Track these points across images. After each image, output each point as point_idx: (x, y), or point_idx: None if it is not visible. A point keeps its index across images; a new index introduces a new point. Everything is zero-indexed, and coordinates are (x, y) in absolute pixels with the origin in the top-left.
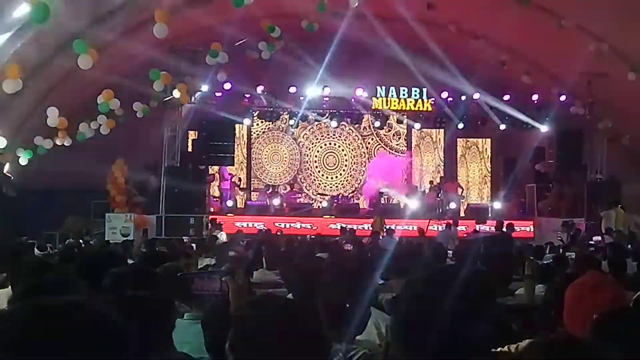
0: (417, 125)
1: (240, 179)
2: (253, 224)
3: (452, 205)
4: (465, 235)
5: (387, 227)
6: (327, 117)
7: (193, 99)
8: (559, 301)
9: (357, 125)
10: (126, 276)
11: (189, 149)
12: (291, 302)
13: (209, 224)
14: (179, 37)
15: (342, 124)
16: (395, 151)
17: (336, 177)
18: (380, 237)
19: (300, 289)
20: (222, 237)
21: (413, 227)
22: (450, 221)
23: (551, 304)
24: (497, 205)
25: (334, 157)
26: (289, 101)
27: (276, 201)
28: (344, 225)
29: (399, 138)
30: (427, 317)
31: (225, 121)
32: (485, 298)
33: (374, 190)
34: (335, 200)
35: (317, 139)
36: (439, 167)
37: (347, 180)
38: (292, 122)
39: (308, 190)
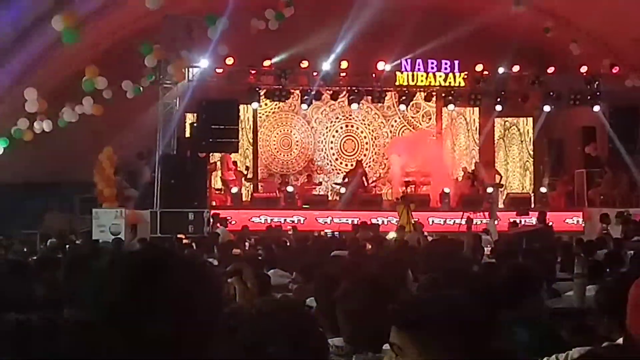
0: (451, 106)
1: (247, 168)
2: (261, 219)
3: (489, 195)
4: (505, 229)
5: (415, 220)
6: (344, 96)
7: (191, 76)
8: (613, 303)
9: (379, 104)
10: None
11: (187, 134)
12: (301, 310)
13: (211, 220)
14: (173, 4)
15: (362, 103)
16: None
17: (355, 164)
18: (407, 232)
19: (318, 295)
20: (226, 234)
21: (445, 220)
22: (487, 213)
23: (605, 307)
24: (541, 194)
25: (353, 141)
26: (300, 78)
27: (287, 193)
28: (361, 221)
29: (429, 119)
30: (454, 325)
31: (228, 102)
32: (527, 299)
33: (399, 177)
34: (356, 191)
35: (333, 121)
36: (474, 151)
37: (368, 167)
38: (304, 103)
39: (324, 180)
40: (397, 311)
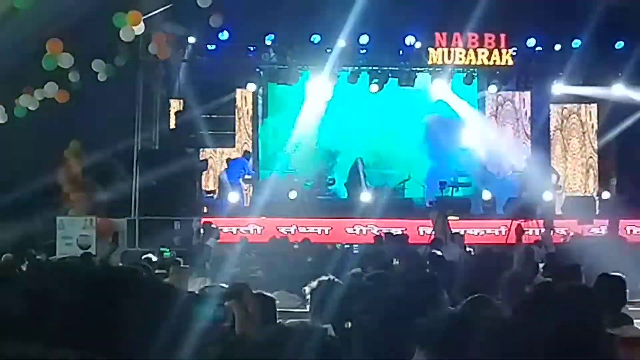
0: (493, 87)
1: (243, 167)
2: (264, 229)
3: (545, 199)
4: (562, 240)
5: (453, 231)
6: (364, 76)
7: (177, 54)
8: None
9: (407, 87)
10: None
11: (172, 126)
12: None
13: (201, 230)
14: None
15: (387, 87)
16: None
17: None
18: (443, 245)
19: (336, 321)
20: (220, 248)
21: (489, 230)
22: (542, 221)
23: None
24: (608, 197)
25: (377, 133)
26: (310, 56)
27: (296, 196)
28: (386, 231)
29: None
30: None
31: (223, 85)
32: (588, 327)
33: (433, 178)
34: (380, 194)
35: (351, 108)
36: (525, 145)
37: (396, 165)
38: (315, 85)
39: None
40: (425, 331)
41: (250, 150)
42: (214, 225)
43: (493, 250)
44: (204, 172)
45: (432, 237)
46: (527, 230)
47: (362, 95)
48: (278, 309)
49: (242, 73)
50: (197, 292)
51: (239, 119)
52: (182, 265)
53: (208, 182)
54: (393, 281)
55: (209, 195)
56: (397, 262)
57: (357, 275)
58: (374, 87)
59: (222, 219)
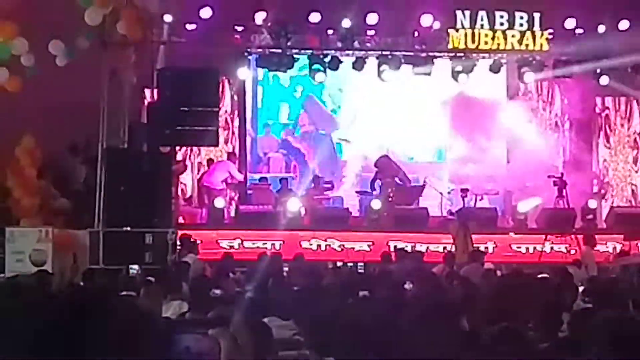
0: (527, 76)
1: (228, 170)
2: (251, 244)
3: (587, 210)
4: (606, 259)
5: (476, 246)
6: (372, 63)
7: (150, 34)
8: None
9: (424, 75)
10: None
11: (144, 119)
12: None
13: (178, 244)
14: None
15: (400, 75)
16: None
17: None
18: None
19: (339, 355)
20: (200, 266)
21: (519, 247)
22: (582, 237)
23: None
24: None
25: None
26: (309, 37)
27: (290, 205)
28: (397, 246)
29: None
30: None
31: (204, 72)
32: None
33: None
34: (390, 201)
35: (358, 98)
36: (562, 146)
37: (409, 167)
38: (316, 73)
39: (343, 186)
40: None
41: (237, 151)
42: (192, 239)
43: (523, 270)
44: (182, 176)
45: (451, 253)
46: (564, 248)
47: (369, 83)
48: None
49: (228, 57)
50: (174, 319)
51: (225, 112)
52: (154, 286)
53: (186, 188)
54: (406, 307)
55: (187, 202)
56: (410, 285)
57: (364, 299)
58: (385, 75)
59: (203, 232)
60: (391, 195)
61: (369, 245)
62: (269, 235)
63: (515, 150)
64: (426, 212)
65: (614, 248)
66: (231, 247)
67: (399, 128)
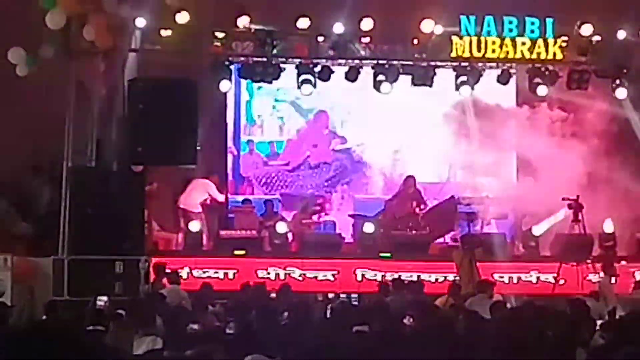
0: (540, 89)
1: (208, 191)
2: (232, 273)
3: (605, 231)
4: (628, 290)
5: (483, 277)
6: (366, 73)
7: (121, 41)
8: None
9: (425, 87)
10: None
11: (114, 135)
12: None
13: (151, 273)
14: None
15: (398, 86)
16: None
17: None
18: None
19: None
20: (176, 297)
21: (529, 277)
22: (601, 265)
23: None
24: None
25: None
26: (297, 45)
27: (277, 229)
28: (394, 277)
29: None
30: None
31: (181, 83)
32: None
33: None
34: (385, 226)
35: (352, 113)
36: (580, 162)
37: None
38: (305, 85)
39: (335, 209)
40: None
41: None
42: (168, 268)
43: (535, 303)
44: (156, 197)
45: (456, 284)
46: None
47: (363, 95)
48: None
49: (207, 67)
50: (145, 357)
51: (203, 127)
52: (125, 320)
53: (161, 210)
54: (406, 343)
55: (161, 227)
56: (410, 319)
57: (359, 335)
58: (383, 87)
59: (179, 259)
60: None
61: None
62: (253, 263)
63: (526, 167)
64: (430, 238)
65: (634, 278)
66: (211, 276)
67: (397, 144)
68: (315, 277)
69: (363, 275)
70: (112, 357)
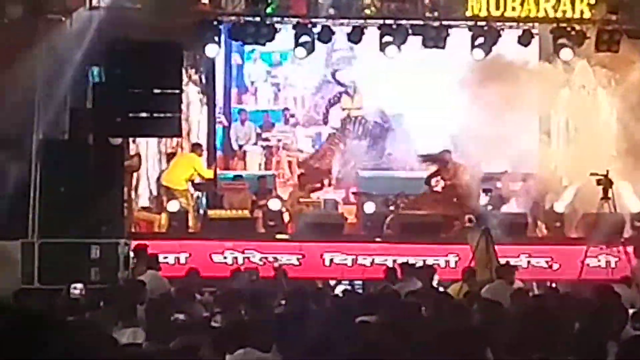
0: (564, 52)
1: (194, 166)
2: (222, 258)
3: (635, 211)
4: None
5: (501, 261)
6: (372, 33)
7: (96, 1)
8: None
9: (437, 50)
10: None
11: (89, 105)
12: None
13: (132, 258)
14: None
15: (407, 48)
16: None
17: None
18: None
19: None
20: (158, 284)
21: (553, 262)
22: (634, 248)
23: None
24: None
25: (393, 118)
26: (294, 2)
27: (270, 206)
28: (402, 262)
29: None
30: None
31: (163, 45)
32: None
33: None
34: (393, 204)
35: (355, 79)
36: (608, 138)
37: (417, 163)
38: (301, 47)
39: (336, 185)
40: None
41: (204, 142)
42: (150, 251)
43: (559, 290)
44: (135, 173)
45: (471, 269)
46: (605, 260)
47: (367, 58)
48: None
49: (193, 29)
50: (127, 350)
51: (187, 97)
52: (103, 310)
53: (141, 188)
54: (416, 334)
55: (142, 207)
56: (421, 308)
57: (363, 325)
58: (389, 50)
59: (162, 242)
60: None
61: (298, 259)
62: (244, 246)
63: (550, 133)
64: (440, 217)
65: None
66: (197, 261)
67: (405, 113)
68: (314, 262)
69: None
70: (89, 350)
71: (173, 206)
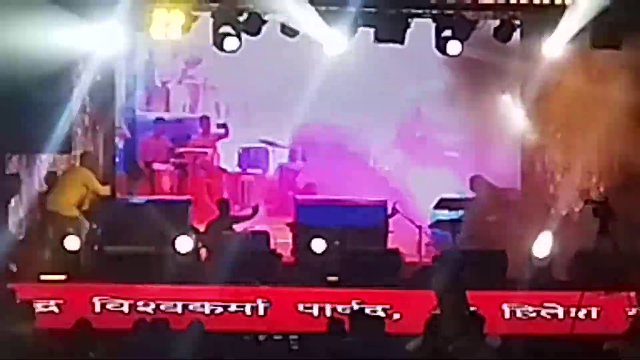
0: (550, 47)
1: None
2: (119, 305)
3: None
4: None
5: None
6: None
7: None
8: None
9: (392, 44)
10: None
11: None
12: None
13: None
14: None
15: (355, 43)
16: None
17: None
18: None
19: None
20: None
21: (540, 310)
22: (634, 293)
23: None
24: None
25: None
26: None
27: (177, 247)
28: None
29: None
30: None
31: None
32: None
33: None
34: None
35: (337, 71)
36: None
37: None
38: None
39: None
40: None
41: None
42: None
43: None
44: (14, 198)
45: (436, 319)
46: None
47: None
48: None
49: None
50: None
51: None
52: None
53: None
54: None
55: (22, 240)
56: None
57: None
58: (332, 47)
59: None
60: None
61: (308, 309)
62: (145, 291)
63: (532, 149)
64: (396, 257)
65: None
66: (90, 309)
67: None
68: (241, 311)
69: (310, 310)
70: None
71: (71, 243)
